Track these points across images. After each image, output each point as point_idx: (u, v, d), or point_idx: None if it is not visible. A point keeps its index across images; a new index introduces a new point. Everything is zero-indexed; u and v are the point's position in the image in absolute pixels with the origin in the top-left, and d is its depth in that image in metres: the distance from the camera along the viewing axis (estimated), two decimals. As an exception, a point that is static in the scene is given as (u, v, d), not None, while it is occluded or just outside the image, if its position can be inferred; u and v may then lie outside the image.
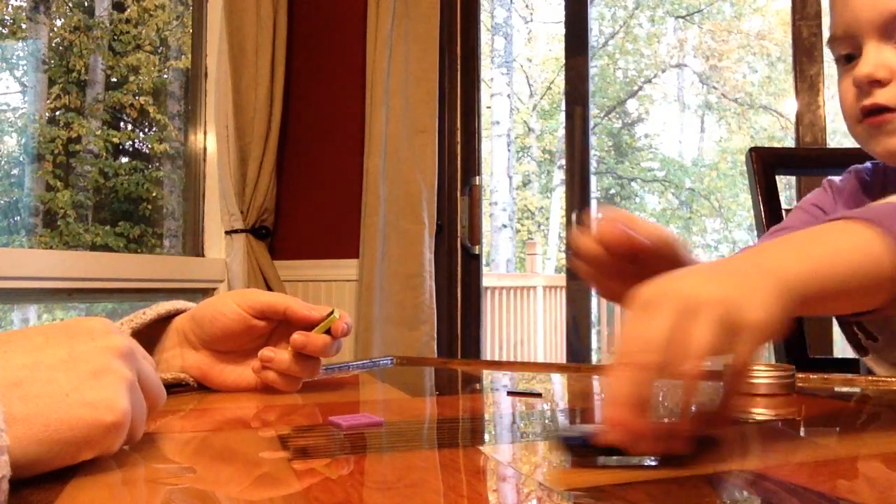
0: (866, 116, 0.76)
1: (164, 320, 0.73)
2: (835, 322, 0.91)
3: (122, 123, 4.38)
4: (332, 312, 0.71)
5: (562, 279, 6.49)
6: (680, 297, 0.40)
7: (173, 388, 0.72)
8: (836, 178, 0.95)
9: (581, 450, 0.41)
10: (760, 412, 0.63)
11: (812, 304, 0.47)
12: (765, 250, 0.49)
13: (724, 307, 0.40)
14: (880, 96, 0.74)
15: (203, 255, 2.41)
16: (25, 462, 0.35)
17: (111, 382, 0.40)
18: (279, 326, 0.74)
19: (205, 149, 2.44)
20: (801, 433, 0.55)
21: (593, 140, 2.32)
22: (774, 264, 0.45)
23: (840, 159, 0.84)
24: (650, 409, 0.39)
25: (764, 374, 0.70)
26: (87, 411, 0.38)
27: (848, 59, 0.78)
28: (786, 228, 0.93)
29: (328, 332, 0.71)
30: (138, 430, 0.44)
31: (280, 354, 0.70)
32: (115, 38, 4.12)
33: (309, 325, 0.71)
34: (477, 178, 2.32)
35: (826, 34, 0.84)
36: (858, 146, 0.83)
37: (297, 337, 0.69)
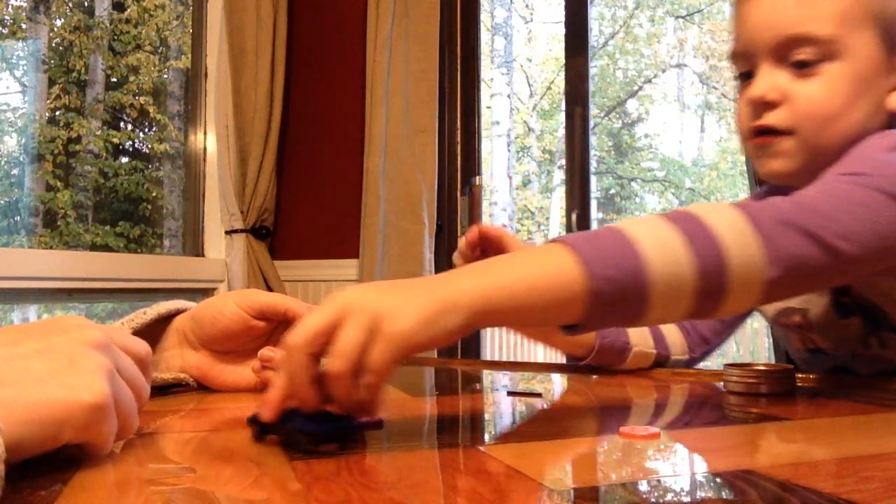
0: (756, 136, 0.77)
1: (165, 320, 0.73)
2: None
3: (122, 123, 4.37)
4: None
5: (562, 279, 6.43)
6: (344, 303, 0.47)
7: (173, 387, 0.72)
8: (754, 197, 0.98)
9: (256, 426, 0.48)
10: (760, 412, 0.63)
11: (495, 317, 0.52)
12: (466, 268, 0.55)
13: (373, 316, 0.46)
14: (770, 118, 0.75)
15: (203, 255, 2.41)
16: (9, 445, 0.35)
17: (88, 368, 0.40)
18: (279, 327, 0.74)
19: (205, 149, 2.44)
20: (801, 433, 0.55)
21: (593, 140, 2.32)
22: (457, 282, 0.51)
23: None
24: (302, 391, 0.46)
25: (764, 374, 0.70)
26: (65, 392, 0.38)
27: (746, 77, 0.79)
28: None
29: None
30: (130, 424, 0.44)
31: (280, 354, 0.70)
32: (115, 38, 4.12)
33: None
34: (477, 178, 2.32)
35: None
36: None
37: None
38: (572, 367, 0.94)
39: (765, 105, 0.76)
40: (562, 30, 2.35)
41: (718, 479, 0.40)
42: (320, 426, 0.46)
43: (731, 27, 0.81)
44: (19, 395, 0.37)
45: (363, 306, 0.47)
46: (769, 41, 0.75)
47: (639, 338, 0.90)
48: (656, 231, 0.56)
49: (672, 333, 0.94)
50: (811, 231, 0.59)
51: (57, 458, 0.40)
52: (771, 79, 0.75)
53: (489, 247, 0.77)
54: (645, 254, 0.54)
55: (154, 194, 3.92)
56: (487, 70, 10.15)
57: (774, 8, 0.75)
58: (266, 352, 0.70)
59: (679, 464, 0.46)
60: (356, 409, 0.48)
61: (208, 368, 0.72)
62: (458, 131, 2.31)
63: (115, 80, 4.31)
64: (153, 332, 0.72)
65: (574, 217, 2.19)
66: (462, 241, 0.78)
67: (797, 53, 0.74)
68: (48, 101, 3.99)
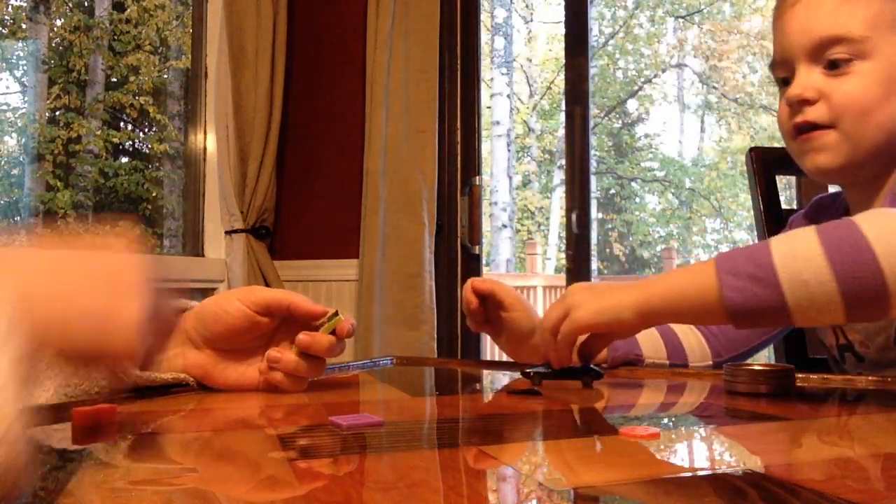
0: (798, 134, 0.83)
1: (166, 320, 0.73)
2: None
3: (122, 123, 4.37)
4: (336, 313, 0.71)
5: (562, 279, 6.47)
6: (563, 296, 0.73)
7: (174, 388, 0.72)
8: (801, 212, 1.01)
9: (536, 377, 0.73)
10: (760, 412, 0.63)
11: (656, 317, 0.68)
12: (656, 276, 0.70)
13: (568, 305, 0.70)
14: (809, 113, 0.81)
15: (203, 255, 2.41)
16: (59, 331, 0.39)
17: (128, 285, 0.43)
18: (282, 324, 0.74)
19: (205, 149, 2.44)
20: (801, 433, 0.55)
21: (593, 140, 2.33)
22: (634, 289, 0.68)
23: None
24: (554, 354, 0.72)
25: (764, 374, 0.70)
26: (110, 298, 0.41)
27: (785, 83, 0.85)
28: None
29: (333, 332, 0.71)
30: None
31: (287, 355, 0.70)
32: (115, 38, 4.12)
33: (313, 319, 0.71)
34: (477, 178, 2.32)
35: None
36: None
37: (303, 337, 0.70)
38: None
39: (802, 102, 0.81)
40: (562, 30, 2.35)
41: (718, 479, 0.40)
42: (566, 373, 0.74)
43: (773, 39, 0.87)
44: (70, 288, 0.40)
45: (566, 299, 0.71)
46: (805, 44, 0.81)
47: (652, 350, 0.92)
48: (795, 239, 0.61)
49: (691, 340, 0.94)
50: None
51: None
52: (807, 79, 0.81)
53: (485, 298, 0.89)
54: (776, 263, 0.60)
55: (154, 194, 3.92)
56: (487, 70, 10.15)
57: (810, 15, 0.81)
58: (273, 353, 0.71)
59: (679, 464, 0.46)
60: (562, 360, 0.73)
61: (211, 367, 0.72)
62: (458, 131, 2.31)
63: (115, 80, 4.30)
64: (154, 332, 0.72)
65: (574, 217, 2.19)
66: (466, 300, 0.90)
67: (831, 53, 0.79)
68: (48, 101, 3.99)
